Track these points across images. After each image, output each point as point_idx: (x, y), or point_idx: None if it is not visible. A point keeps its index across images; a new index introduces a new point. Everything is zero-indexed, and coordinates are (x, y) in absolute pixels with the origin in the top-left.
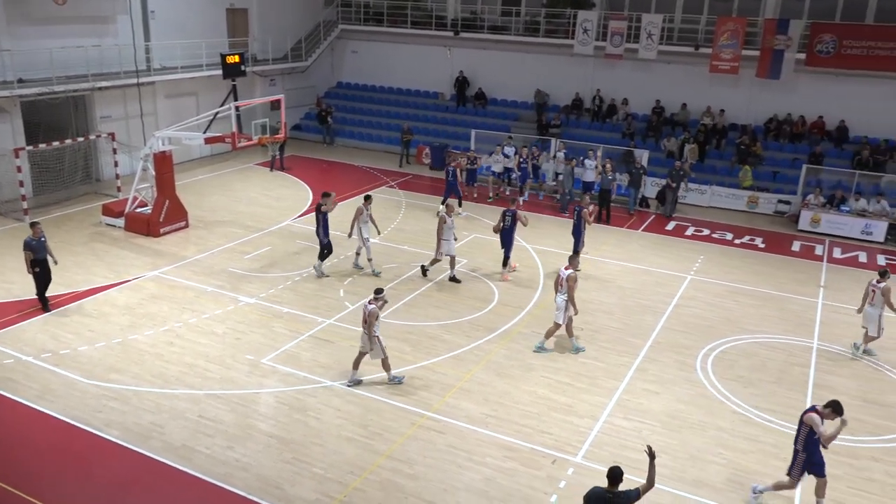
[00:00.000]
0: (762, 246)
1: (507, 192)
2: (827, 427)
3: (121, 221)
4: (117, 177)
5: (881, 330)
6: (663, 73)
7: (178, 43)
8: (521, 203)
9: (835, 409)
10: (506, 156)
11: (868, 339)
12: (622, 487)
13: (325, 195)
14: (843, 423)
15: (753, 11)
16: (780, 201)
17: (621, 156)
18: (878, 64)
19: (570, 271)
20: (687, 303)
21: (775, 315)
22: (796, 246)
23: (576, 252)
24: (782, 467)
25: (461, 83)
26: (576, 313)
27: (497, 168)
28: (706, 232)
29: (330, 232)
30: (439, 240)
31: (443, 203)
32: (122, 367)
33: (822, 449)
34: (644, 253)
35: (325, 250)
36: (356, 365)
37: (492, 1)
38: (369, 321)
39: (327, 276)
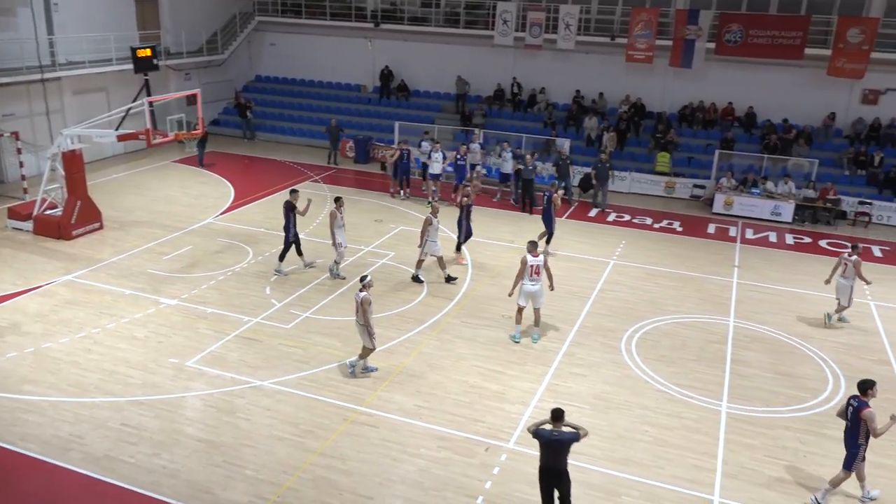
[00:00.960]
0: (680, 229)
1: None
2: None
3: (29, 224)
4: (23, 178)
5: (851, 300)
6: (582, 63)
7: (84, 36)
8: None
9: (871, 385)
10: (444, 156)
11: (840, 308)
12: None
13: (293, 191)
14: (894, 419)
15: (665, 2)
16: (695, 186)
17: (543, 144)
18: (781, 52)
19: (540, 258)
20: (611, 287)
21: (694, 295)
22: (711, 228)
23: (550, 236)
24: (705, 441)
25: (385, 76)
26: (552, 288)
27: (436, 170)
28: (627, 217)
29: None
30: (424, 241)
31: (432, 199)
32: (36, 377)
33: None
34: (568, 240)
35: (288, 247)
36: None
37: None
38: (363, 308)
39: (285, 275)
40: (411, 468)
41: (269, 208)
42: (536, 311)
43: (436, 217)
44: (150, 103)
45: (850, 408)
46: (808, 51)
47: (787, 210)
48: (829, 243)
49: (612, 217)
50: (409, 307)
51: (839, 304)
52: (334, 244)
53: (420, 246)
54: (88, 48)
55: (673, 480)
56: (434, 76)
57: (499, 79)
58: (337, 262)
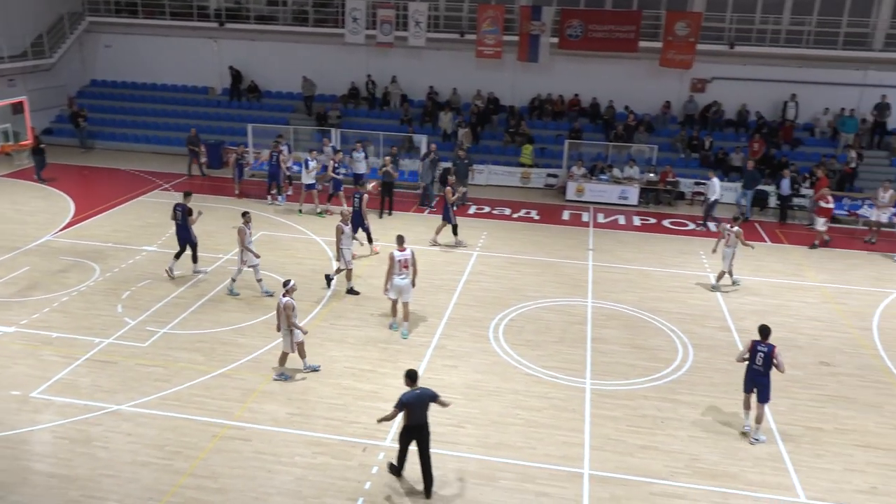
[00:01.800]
0: (537, 217)
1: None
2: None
3: None
4: None
5: (731, 266)
6: (433, 60)
7: None
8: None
9: (769, 330)
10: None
11: (721, 274)
12: None
13: (187, 194)
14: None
15: None
16: (548, 175)
17: (402, 142)
18: (618, 46)
19: (407, 252)
20: (476, 278)
21: (553, 280)
22: (566, 215)
23: (455, 228)
24: (572, 418)
25: (234, 77)
26: (413, 285)
27: (308, 180)
28: (487, 209)
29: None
30: (339, 249)
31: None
32: None
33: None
34: (431, 235)
35: (193, 250)
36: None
37: None
38: (286, 314)
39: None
40: (288, 478)
41: (116, 221)
42: (405, 305)
43: (347, 225)
44: None
45: (761, 353)
46: (642, 44)
47: (633, 194)
48: (671, 222)
49: (472, 210)
50: (273, 314)
51: (721, 271)
52: (242, 261)
53: (339, 258)
54: None
55: (545, 459)
56: (286, 76)
57: (353, 77)
58: (259, 281)
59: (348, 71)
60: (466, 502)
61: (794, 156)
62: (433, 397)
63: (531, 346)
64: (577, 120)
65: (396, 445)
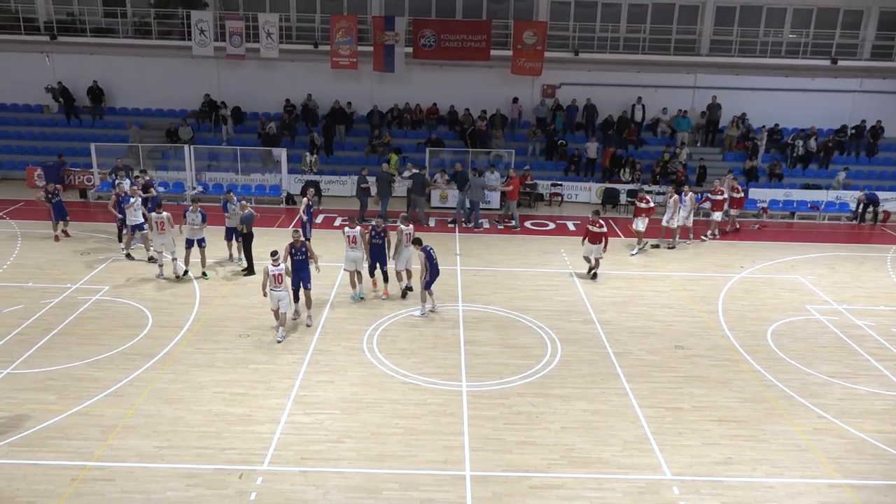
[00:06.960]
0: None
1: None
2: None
3: None
4: None
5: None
6: (289, 71)
7: None
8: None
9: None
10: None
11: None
12: None
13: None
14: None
15: (362, 9)
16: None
17: (262, 157)
18: (470, 55)
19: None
20: (345, 290)
21: None
22: (432, 221)
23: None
24: (451, 422)
25: (71, 93)
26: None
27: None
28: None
29: None
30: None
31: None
32: None
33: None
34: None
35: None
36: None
37: (91, 1)
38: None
39: None
40: None
41: None
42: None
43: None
44: None
45: (430, 256)
46: (493, 52)
47: (495, 197)
48: (533, 223)
49: (337, 222)
50: (133, 343)
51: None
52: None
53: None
54: None
55: (427, 465)
56: (133, 90)
57: (205, 90)
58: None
59: (199, 85)
60: None
61: (640, 154)
62: None
63: (406, 354)
64: (437, 128)
65: (274, 468)
